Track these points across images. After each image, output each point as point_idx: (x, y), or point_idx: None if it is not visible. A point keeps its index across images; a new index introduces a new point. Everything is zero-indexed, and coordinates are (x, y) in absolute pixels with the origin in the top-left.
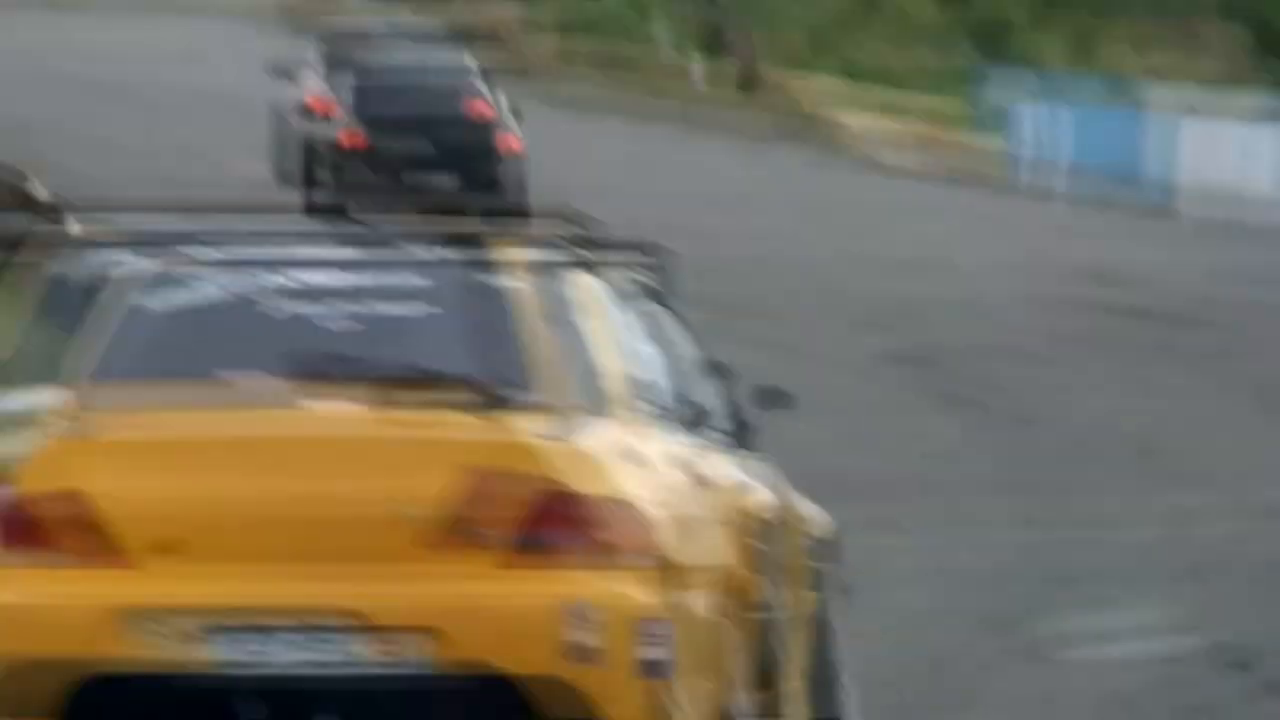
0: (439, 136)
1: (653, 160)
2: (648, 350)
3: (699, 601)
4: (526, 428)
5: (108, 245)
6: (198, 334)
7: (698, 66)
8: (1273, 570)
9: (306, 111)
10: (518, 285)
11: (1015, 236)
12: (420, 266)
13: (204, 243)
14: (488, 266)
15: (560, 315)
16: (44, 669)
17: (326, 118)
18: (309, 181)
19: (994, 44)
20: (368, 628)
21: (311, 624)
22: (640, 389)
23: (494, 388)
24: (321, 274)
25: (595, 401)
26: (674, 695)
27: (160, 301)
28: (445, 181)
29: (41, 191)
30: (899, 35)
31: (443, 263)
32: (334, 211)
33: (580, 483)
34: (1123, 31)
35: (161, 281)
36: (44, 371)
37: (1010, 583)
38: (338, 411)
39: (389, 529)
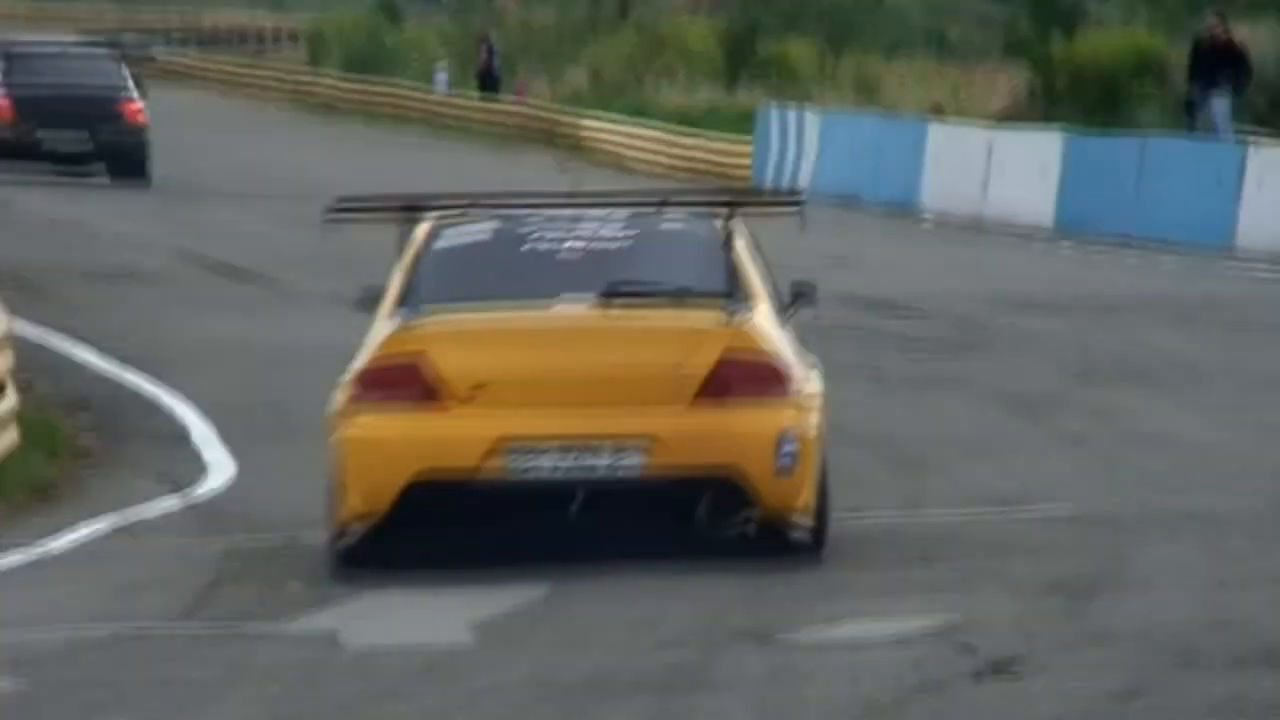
0: (78, 110)
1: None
2: (760, 266)
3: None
4: (736, 313)
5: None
6: (478, 259)
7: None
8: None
9: None
10: (711, 227)
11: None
12: (636, 217)
13: (499, 208)
14: (690, 216)
15: (729, 245)
16: (401, 481)
17: (7, 122)
18: None
19: (780, 87)
20: (639, 445)
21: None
22: (766, 290)
23: (714, 295)
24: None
25: (755, 299)
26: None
27: (459, 241)
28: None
29: None
30: (686, 79)
31: (652, 213)
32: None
33: (777, 358)
34: (906, 72)
35: (454, 231)
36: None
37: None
38: (612, 308)
39: (662, 383)
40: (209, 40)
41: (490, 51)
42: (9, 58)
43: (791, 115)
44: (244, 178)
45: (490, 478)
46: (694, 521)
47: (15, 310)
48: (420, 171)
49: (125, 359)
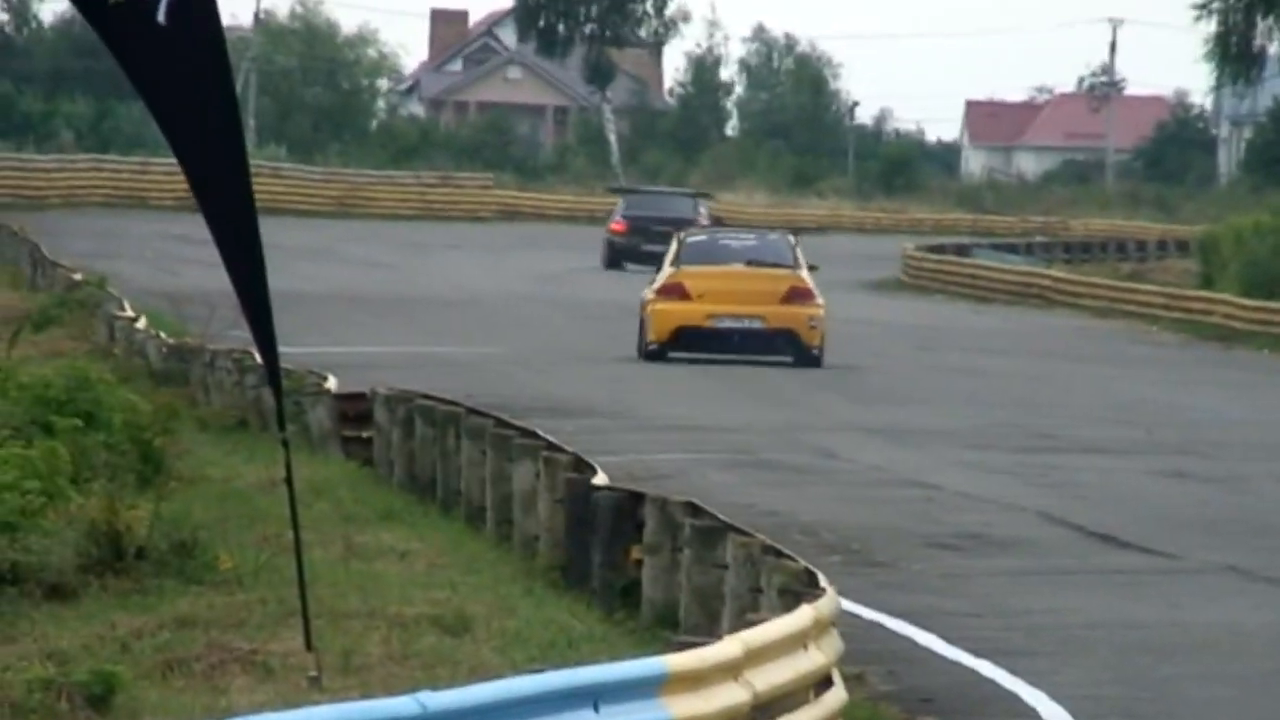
0: (668, 229)
1: None
2: (799, 248)
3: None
4: (796, 273)
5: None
6: (709, 249)
7: None
8: None
9: (612, 231)
10: (791, 237)
11: None
12: (760, 233)
13: (713, 230)
14: (778, 232)
15: (795, 244)
16: (672, 327)
17: (621, 233)
18: (614, 264)
19: None
20: (760, 318)
21: (741, 316)
22: (802, 260)
23: (785, 264)
24: (737, 236)
25: (802, 266)
26: (821, 332)
27: (697, 241)
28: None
29: None
30: None
31: (765, 232)
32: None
33: (807, 284)
34: None
35: (698, 236)
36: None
37: None
38: (750, 268)
39: (769, 295)
40: (1078, 250)
41: None
42: (627, 194)
43: None
44: (1117, 423)
45: (705, 328)
46: (777, 348)
47: (841, 587)
48: None
49: (976, 645)
